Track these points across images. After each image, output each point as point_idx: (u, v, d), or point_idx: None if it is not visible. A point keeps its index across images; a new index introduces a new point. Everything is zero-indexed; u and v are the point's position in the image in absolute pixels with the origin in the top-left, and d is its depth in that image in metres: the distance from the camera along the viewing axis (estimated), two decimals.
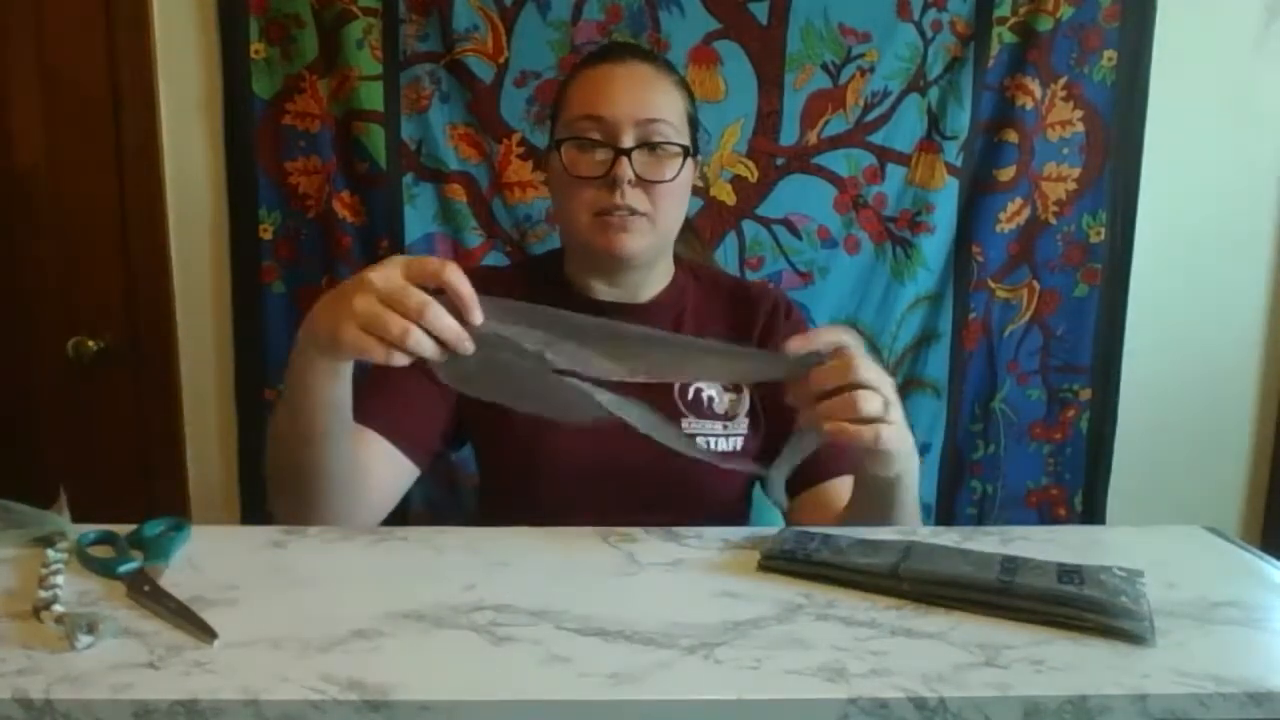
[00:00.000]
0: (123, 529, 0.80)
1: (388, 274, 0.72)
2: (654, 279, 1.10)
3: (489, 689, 0.57)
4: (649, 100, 1.01)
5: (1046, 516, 1.69)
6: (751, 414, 1.07)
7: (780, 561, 0.76)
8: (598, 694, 0.57)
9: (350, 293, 0.73)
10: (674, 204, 1.04)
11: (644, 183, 1.00)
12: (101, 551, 0.75)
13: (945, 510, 1.68)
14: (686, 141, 1.04)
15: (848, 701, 0.56)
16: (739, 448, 1.05)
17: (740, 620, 0.66)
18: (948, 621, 0.67)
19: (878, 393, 0.78)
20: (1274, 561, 0.80)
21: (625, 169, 0.99)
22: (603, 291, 1.09)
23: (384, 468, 0.98)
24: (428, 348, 0.72)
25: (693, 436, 1.03)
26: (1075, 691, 0.57)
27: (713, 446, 1.04)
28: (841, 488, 1.02)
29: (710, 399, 1.06)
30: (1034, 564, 0.72)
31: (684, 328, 1.10)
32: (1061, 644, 0.63)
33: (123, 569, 0.71)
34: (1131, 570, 0.71)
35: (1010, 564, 0.71)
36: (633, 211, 1.00)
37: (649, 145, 1.00)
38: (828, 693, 0.57)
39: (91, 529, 0.79)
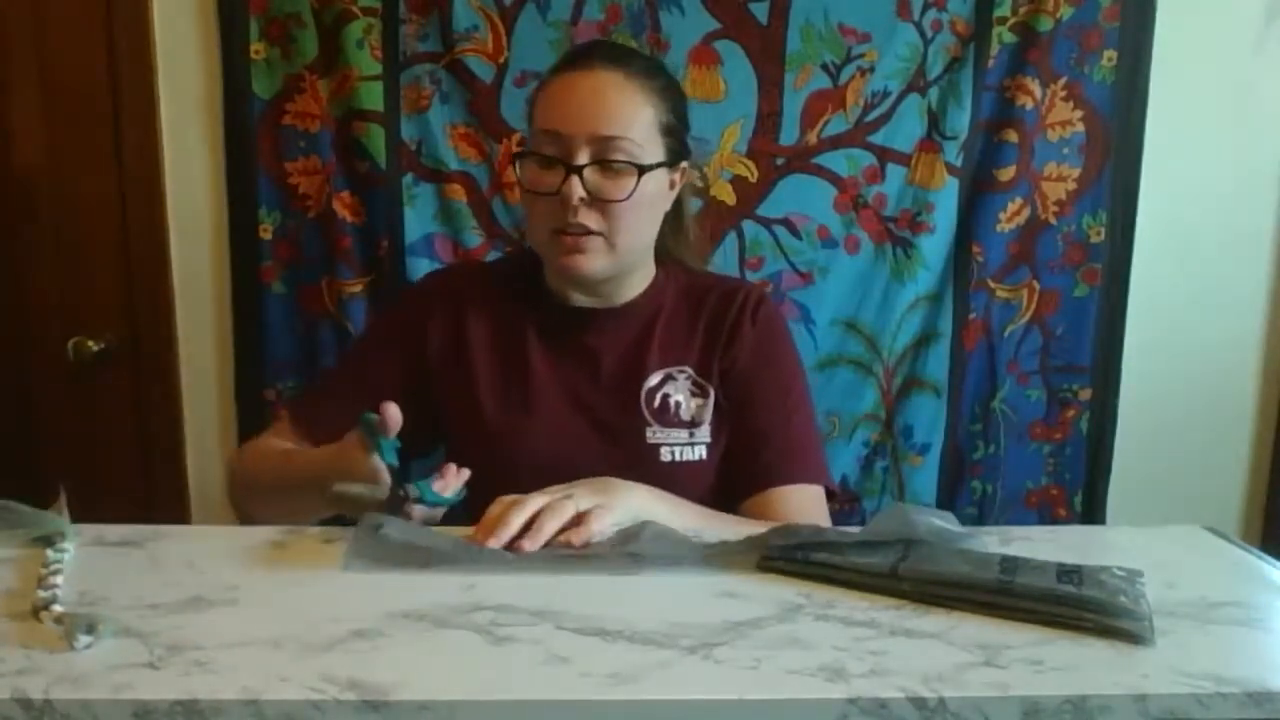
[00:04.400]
0: (123, 529, 0.80)
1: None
2: (630, 285, 1.09)
3: (489, 689, 0.57)
4: (607, 115, 0.98)
5: (1046, 516, 1.68)
6: (715, 419, 1.06)
7: (780, 561, 0.76)
8: (598, 694, 0.57)
9: None
10: (632, 222, 1.01)
11: (598, 201, 0.98)
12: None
13: (945, 510, 1.67)
14: (651, 159, 1.00)
15: (847, 701, 0.56)
16: (704, 457, 1.04)
17: (740, 620, 0.66)
18: (947, 621, 0.67)
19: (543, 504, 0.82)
20: (1274, 561, 0.80)
21: (575, 187, 0.96)
22: (578, 299, 1.08)
23: None
24: None
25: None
26: (1075, 691, 0.57)
27: (677, 457, 1.04)
28: (787, 496, 1.02)
29: (677, 404, 1.05)
30: (1034, 564, 0.72)
31: (657, 328, 1.09)
32: (1061, 644, 0.64)
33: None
34: (1131, 570, 0.71)
35: (1010, 564, 0.72)
36: (586, 230, 0.98)
37: (602, 163, 0.98)
38: (827, 693, 0.57)
39: (91, 528, 0.79)
